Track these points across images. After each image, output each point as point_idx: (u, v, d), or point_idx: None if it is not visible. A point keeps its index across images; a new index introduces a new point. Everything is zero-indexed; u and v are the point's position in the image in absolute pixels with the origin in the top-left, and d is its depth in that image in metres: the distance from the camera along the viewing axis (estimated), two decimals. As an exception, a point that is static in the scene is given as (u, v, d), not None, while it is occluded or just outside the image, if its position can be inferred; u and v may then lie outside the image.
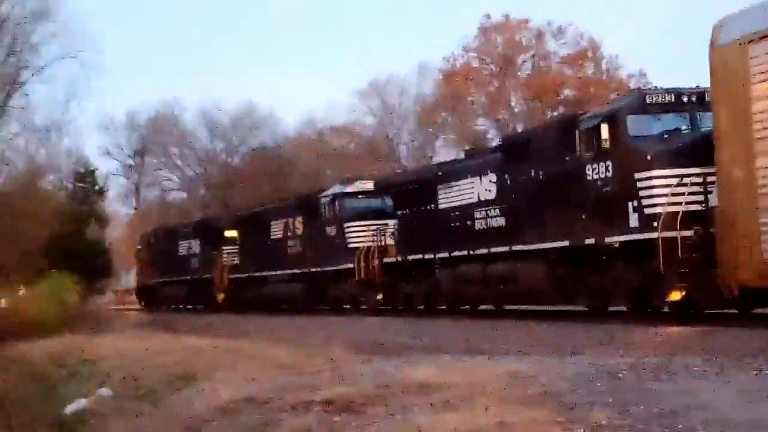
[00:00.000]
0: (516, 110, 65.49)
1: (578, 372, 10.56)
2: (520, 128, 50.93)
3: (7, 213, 45.29)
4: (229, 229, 45.26)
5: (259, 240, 40.94)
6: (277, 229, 39.50)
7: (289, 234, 38.37)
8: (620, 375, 10.15)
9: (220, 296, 44.60)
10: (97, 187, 63.52)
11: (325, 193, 36.03)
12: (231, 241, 44.67)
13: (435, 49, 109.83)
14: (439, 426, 8.16)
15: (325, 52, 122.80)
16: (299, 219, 37.54)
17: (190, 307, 49.75)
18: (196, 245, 49.26)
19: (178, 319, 36.55)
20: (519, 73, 66.66)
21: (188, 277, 49.12)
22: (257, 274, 40.95)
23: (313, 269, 35.41)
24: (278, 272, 38.77)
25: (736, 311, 18.34)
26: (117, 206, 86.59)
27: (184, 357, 17.71)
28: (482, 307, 27.47)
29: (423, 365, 12.24)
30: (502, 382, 10.19)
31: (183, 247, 50.99)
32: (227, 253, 44.75)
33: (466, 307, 27.99)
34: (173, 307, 51.24)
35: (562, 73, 63.91)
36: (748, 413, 7.70)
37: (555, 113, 56.54)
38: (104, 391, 16.80)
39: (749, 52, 16.14)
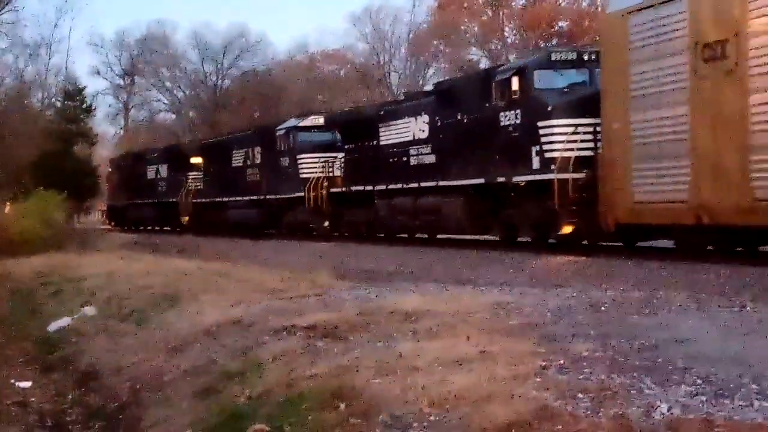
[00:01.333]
0: (509, 41, 65.22)
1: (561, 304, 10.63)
2: (512, 59, 50.91)
3: (-6, 129, 45.13)
4: (195, 155, 47.35)
5: (222, 167, 43.32)
6: (238, 158, 42.00)
7: (249, 163, 40.85)
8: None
9: (185, 219, 47.23)
10: (85, 106, 63.23)
11: (280, 126, 38.01)
12: (196, 167, 46.96)
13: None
14: (421, 353, 8.20)
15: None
16: (258, 149, 39.89)
17: (157, 228, 51.85)
18: (163, 170, 51.50)
19: (162, 241, 36.63)
20: (513, 4, 66.30)
21: (155, 200, 51.39)
22: (219, 199, 43.50)
23: (269, 197, 37.84)
24: (238, 198, 41.25)
25: (622, 244, 20.84)
26: (105, 126, 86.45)
27: (171, 278, 17.75)
28: (417, 235, 29.30)
29: (408, 293, 12.30)
30: (486, 311, 10.25)
31: (151, 172, 53.12)
32: (192, 178, 47.04)
33: (404, 235, 29.79)
34: (141, 228, 53.28)
35: (557, 5, 63.62)
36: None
37: (548, 44, 56.34)
38: (88, 310, 16.87)
39: (629, 21, 18.74)
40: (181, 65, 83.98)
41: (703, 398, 6.24)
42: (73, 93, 62.56)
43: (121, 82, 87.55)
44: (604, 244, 20.98)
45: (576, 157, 20.52)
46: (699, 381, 6.65)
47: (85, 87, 65.86)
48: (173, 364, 10.94)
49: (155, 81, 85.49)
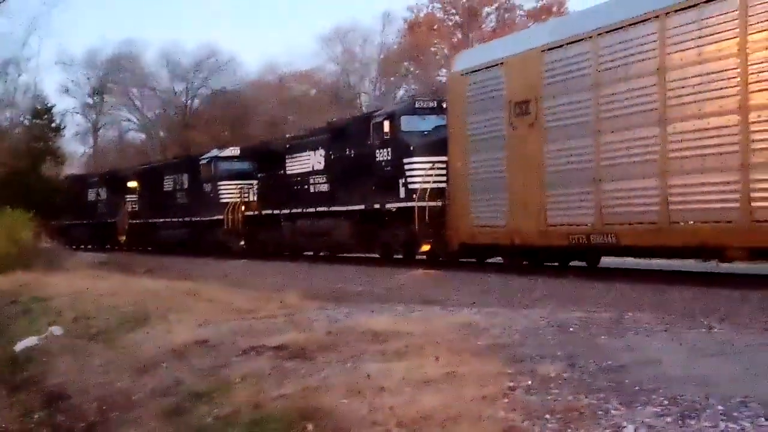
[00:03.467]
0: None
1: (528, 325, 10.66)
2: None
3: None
4: (132, 180, 51.25)
5: (155, 191, 47.31)
6: (168, 183, 46.18)
7: (178, 187, 45.07)
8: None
9: (122, 238, 51.08)
10: (54, 125, 62.78)
11: (204, 156, 42.84)
12: (132, 190, 50.80)
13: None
14: (389, 374, 8.21)
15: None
16: (186, 176, 44.10)
17: (96, 247, 54.30)
18: (103, 193, 55.28)
19: (134, 260, 36.62)
20: (483, 26, 66.62)
21: (95, 221, 54.55)
22: (152, 220, 47.35)
23: (194, 218, 42.03)
24: (168, 219, 45.18)
25: (475, 260, 24.68)
26: (75, 145, 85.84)
27: (138, 298, 17.66)
28: (322, 253, 33.17)
29: (377, 314, 12.32)
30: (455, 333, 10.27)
31: (92, 194, 56.53)
32: (129, 201, 50.89)
33: (310, 252, 33.63)
34: (81, 246, 54.58)
35: (526, 27, 63.94)
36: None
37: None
38: (55, 330, 16.74)
39: (467, 80, 22.98)
40: (151, 85, 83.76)
41: (669, 419, 6.27)
42: (42, 111, 62.17)
43: (91, 101, 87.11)
44: (464, 260, 24.77)
45: (431, 188, 24.63)
46: (665, 402, 6.69)
47: (53, 105, 65.42)
48: (141, 384, 10.89)
49: (125, 100, 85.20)
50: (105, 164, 72.82)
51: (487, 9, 66.98)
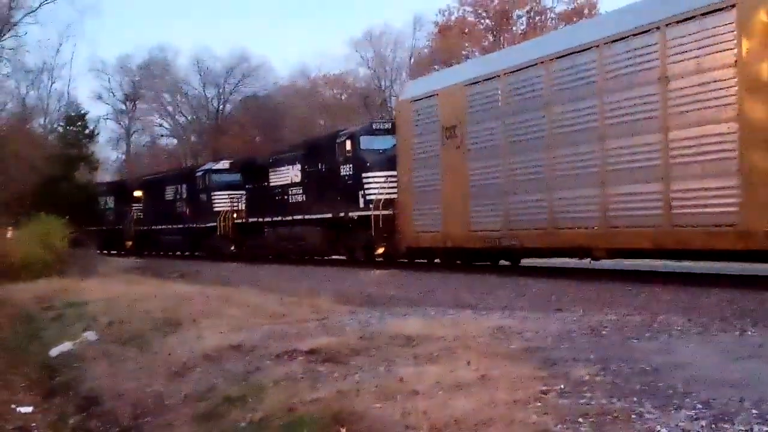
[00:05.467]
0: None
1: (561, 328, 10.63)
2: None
3: (-4, 154, 45.14)
4: (137, 189, 55.37)
5: (158, 200, 51.10)
6: (169, 193, 49.93)
7: (178, 197, 48.79)
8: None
9: (129, 243, 54.84)
10: (87, 131, 63.26)
11: (200, 168, 47.19)
12: (137, 199, 54.76)
13: (431, 2, 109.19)
14: (421, 378, 8.21)
15: (320, 2, 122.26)
16: (184, 186, 47.91)
17: (105, 252, 56.73)
18: (111, 201, 58.78)
19: (166, 266, 36.84)
20: (514, 29, 66.43)
21: (104, 227, 57.62)
22: (155, 227, 51.13)
23: (191, 225, 45.98)
24: (169, 226, 48.95)
25: (425, 261, 27.82)
26: (107, 151, 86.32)
27: (172, 303, 17.73)
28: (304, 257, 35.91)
29: (409, 318, 12.31)
30: (487, 336, 10.25)
31: (101, 202, 59.54)
32: (135, 209, 54.74)
33: (293, 256, 36.23)
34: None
35: (557, 29, 63.71)
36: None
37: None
38: (90, 335, 16.83)
39: (413, 106, 26.45)
40: (183, 90, 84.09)
41: (703, 423, 6.24)
42: (75, 118, 62.64)
43: (123, 107, 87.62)
44: (420, 261, 28.03)
45: (385, 199, 28.25)
46: (699, 405, 6.66)
47: (87, 112, 66.06)
48: (175, 389, 10.93)
49: (157, 106, 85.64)
50: (137, 170, 73.12)
51: (517, 11, 66.79)
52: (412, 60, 72.44)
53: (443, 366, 8.69)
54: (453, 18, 67.41)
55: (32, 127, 56.85)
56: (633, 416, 6.50)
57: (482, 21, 67.64)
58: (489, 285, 19.89)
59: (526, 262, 25.71)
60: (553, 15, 65.29)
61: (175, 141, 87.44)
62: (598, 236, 19.34)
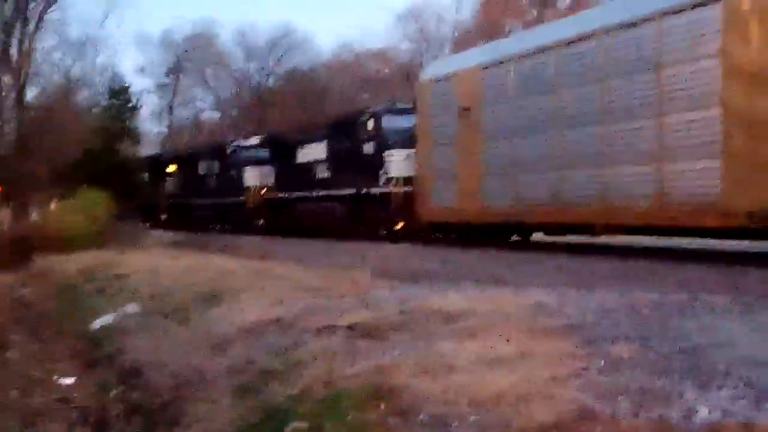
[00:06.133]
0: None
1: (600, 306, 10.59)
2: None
3: (42, 126, 45.55)
4: (171, 164, 57.18)
5: (190, 174, 53.05)
6: (202, 167, 51.48)
7: (209, 172, 50.28)
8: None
9: (163, 216, 56.59)
10: (130, 104, 63.55)
11: (230, 144, 48.83)
12: (171, 173, 56.59)
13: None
14: (461, 354, 8.21)
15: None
16: (216, 161, 49.50)
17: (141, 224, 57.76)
18: (146, 175, 60.15)
19: (205, 240, 37.07)
20: (558, 4, 66.00)
21: (140, 201, 58.34)
22: (188, 200, 52.69)
23: (222, 199, 47.35)
24: (201, 200, 50.58)
25: (441, 235, 28.98)
26: (150, 125, 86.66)
27: (213, 276, 17.84)
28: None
29: (449, 293, 12.30)
30: (526, 312, 10.23)
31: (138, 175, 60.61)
32: (168, 182, 56.71)
33: (319, 230, 37.07)
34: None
35: (600, 4, 63.21)
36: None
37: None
38: (132, 307, 16.98)
39: (432, 87, 27.88)
40: (226, 64, 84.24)
41: (744, 402, 6.20)
42: (119, 91, 62.94)
43: (166, 81, 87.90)
44: (438, 236, 29.06)
45: (405, 176, 29.55)
46: (741, 384, 6.61)
47: (130, 85, 66.28)
48: (215, 362, 11.01)
49: (200, 80, 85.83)
50: (179, 144, 73.43)
51: (561, -13, 66.36)
52: (456, 34, 72.15)
53: (483, 342, 8.68)
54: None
55: (77, 100, 57.11)
56: (673, 395, 6.47)
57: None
58: (526, 262, 19.85)
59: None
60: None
61: (217, 115, 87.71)
62: (597, 213, 20.71)
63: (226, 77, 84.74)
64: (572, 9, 62.57)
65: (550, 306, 10.66)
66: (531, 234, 26.36)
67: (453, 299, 11.49)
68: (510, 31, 65.03)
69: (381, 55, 76.07)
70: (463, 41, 68.71)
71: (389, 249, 25.88)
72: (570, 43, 21.88)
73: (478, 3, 69.35)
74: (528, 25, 63.91)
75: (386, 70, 75.37)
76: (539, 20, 63.59)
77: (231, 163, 46.69)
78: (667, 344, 8.08)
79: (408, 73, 70.52)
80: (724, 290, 12.22)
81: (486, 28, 65.72)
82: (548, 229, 24.61)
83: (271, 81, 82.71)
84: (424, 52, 73.92)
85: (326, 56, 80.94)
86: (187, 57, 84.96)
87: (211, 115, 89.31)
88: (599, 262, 18.89)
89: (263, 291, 14.87)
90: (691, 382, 6.76)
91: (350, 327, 10.41)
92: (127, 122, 61.86)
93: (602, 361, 7.53)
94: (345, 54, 79.42)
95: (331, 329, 10.58)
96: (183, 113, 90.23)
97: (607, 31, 20.67)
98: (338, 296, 13.35)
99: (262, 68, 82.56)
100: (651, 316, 9.81)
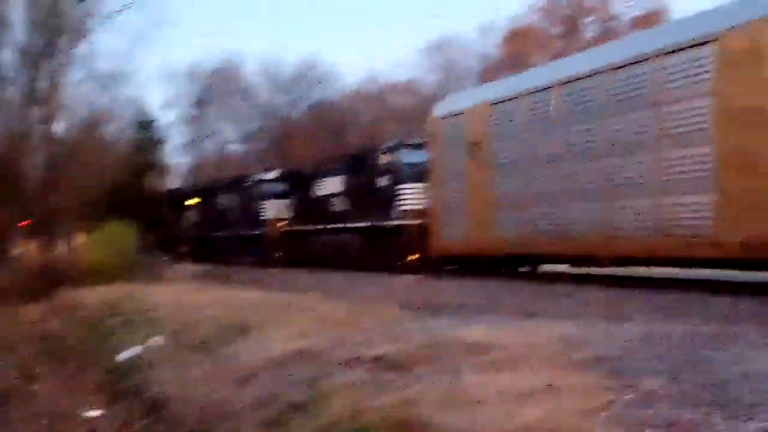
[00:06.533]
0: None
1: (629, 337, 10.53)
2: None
3: (69, 159, 45.79)
4: (192, 197, 58.26)
5: (211, 207, 54.38)
6: (222, 200, 52.79)
7: (230, 204, 51.40)
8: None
9: (184, 248, 56.50)
10: (156, 137, 63.83)
11: (250, 179, 49.25)
12: (192, 206, 57.60)
13: (500, 9, 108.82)
14: (487, 387, 8.17)
15: (389, 10, 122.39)
16: (236, 194, 50.49)
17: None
18: (167, 208, 60.12)
19: (228, 273, 37.21)
20: (584, 35, 66.06)
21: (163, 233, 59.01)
22: (208, 233, 54.07)
23: (242, 232, 48.53)
24: (222, 232, 51.94)
25: (456, 267, 28.75)
26: (176, 157, 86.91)
27: (238, 309, 17.84)
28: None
29: (475, 326, 12.26)
30: (553, 344, 10.18)
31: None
32: (190, 215, 57.82)
33: (335, 263, 37.56)
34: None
35: (628, 35, 63.16)
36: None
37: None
38: (157, 340, 17.00)
39: (442, 123, 28.55)
40: (251, 97, 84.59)
41: (774, 434, 6.15)
42: (145, 124, 63.24)
43: (192, 113, 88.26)
44: (449, 268, 28.98)
45: (418, 209, 30.53)
46: (770, 417, 6.56)
47: (156, 119, 66.64)
48: (241, 394, 11.00)
49: (226, 112, 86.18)
50: (205, 176, 73.67)
51: (588, 18, 66.37)
52: (482, 66, 72.25)
53: (509, 375, 8.65)
54: (522, 25, 67.13)
55: (103, 133, 57.43)
56: (702, 428, 6.42)
57: (552, 28, 67.30)
58: (551, 293, 19.79)
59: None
60: (624, 21, 64.73)
61: (242, 148, 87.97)
62: (600, 245, 21.42)
63: (252, 109, 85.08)
64: (598, 39, 62.69)
65: (578, 338, 10.61)
66: (539, 265, 26.81)
67: (478, 331, 11.45)
68: (537, 64, 65.07)
69: (407, 87, 76.30)
70: (489, 73, 68.84)
71: (407, 280, 26.47)
72: (572, 81, 22.63)
73: (504, 35, 69.46)
74: (554, 56, 63.94)
75: (412, 102, 75.51)
76: (565, 52, 63.64)
77: (251, 197, 47.86)
78: (696, 376, 8.02)
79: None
80: (754, 321, 12.14)
81: (512, 60, 65.80)
82: (555, 259, 25.20)
83: (296, 113, 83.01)
84: (450, 84, 74.05)
85: (351, 88, 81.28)
86: (213, 90, 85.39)
87: (236, 148, 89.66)
88: (626, 293, 18.80)
89: (288, 323, 14.87)
90: (720, 414, 6.71)
91: (376, 359, 10.40)
92: (153, 155, 62.08)
93: (631, 394, 7.48)
94: (370, 86, 79.79)
95: (357, 361, 10.57)
96: (209, 146, 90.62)
97: (611, 68, 21.24)
98: (363, 328, 13.34)
99: (288, 100, 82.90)
100: (680, 347, 9.75)
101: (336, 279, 29.63)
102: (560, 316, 14.36)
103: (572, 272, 24.99)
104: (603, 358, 9.22)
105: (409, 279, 26.98)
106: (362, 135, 67.00)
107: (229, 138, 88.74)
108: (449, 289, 22.92)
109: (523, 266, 26.90)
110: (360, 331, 13.09)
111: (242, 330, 15.27)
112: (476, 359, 9.66)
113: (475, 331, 11.39)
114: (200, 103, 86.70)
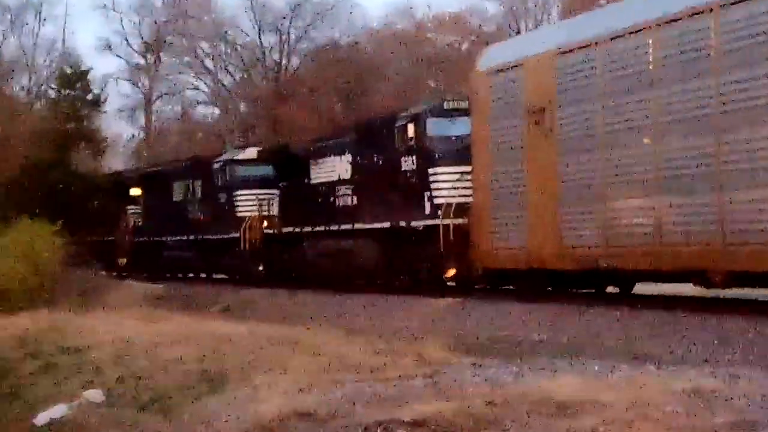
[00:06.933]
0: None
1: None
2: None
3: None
4: (134, 186, 57.61)
5: (161, 201, 53.59)
6: (177, 191, 52.35)
7: (188, 197, 51.19)
8: None
9: (122, 260, 57.14)
10: (91, 96, 63.82)
11: (218, 159, 48.72)
12: (134, 200, 57.17)
13: None
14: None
15: None
16: (198, 182, 50.02)
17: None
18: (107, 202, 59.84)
19: (197, 294, 37.32)
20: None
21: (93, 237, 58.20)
22: (157, 238, 53.63)
23: (206, 236, 47.86)
24: (176, 237, 51.43)
25: (511, 287, 28.37)
26: (119, 125, 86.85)
27: (211, 348, 17.91)
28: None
29: (561, 374, 12.25)
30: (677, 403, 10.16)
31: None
32: (131, 213, 57.26)
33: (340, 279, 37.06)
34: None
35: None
36: None
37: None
38: (93, 394, 17.05)
39: (490, 80, 27.83)
40: (229, 37, 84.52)
41: None
42: (74, 77, 63.32)
43: (142, 61, 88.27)
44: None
45: (458, 203, 29.35)
46: None
47: (90, 69, 66.67)
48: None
49: (191, 60, 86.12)
50: (162, 152, 73.82)
51: None
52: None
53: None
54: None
55: (12, 90, 57.63)
56: None
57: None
58: (668, 325, 19.76)
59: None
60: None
61: (216, 111, 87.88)
62: (712, 255, 20.89)
63: (229, 56, 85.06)
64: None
65: (713, 393, 10.59)
66: (633, 284, 26.23)
67: (566, 383, 11.45)
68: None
69: (456, 23, 76.17)
70: (577, 2, 68.79)
71: (445, 305, 26.48)
72: (691, 15, 21.77)
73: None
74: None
75: (464, 45, 75.44)
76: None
77: (218, 185, 47.17)
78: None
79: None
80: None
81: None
82: (649, 277, 24.84)
83: (294, 61, 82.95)
84: (520, 17, 74.06)
85: (375, 25, 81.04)
86: (173, 27, 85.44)
87: (207, 111, 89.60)
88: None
89: (283, 370, 14.90)
90: None
91: (416, 423, 10.40)
92: (86, 122, 62.09)
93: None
94: (402, 22, 79.61)
95: (387, 427, 10.57)
96: (167, 108, 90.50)
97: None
98: (396, 377, 13.36)
99: (282, 42, 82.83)
100: None
101: (345, 303, 29.75)
102: (685, 360, 14.34)
103: (696, 295, 24.94)
104: (752, 423, 9.20)
105: (448, 303, 26.88)
106: (391, 94, 66.89)
107: (197, 97, 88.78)
108: (514, 318, 22.95)
109: (613, 285, 26.40)
110: (389, 381, 13.11)
111: (216, 380, 15.31)
112: (564, 424, 9.64)
113: (564, 383, 11.38)
114: (154, 45, 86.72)
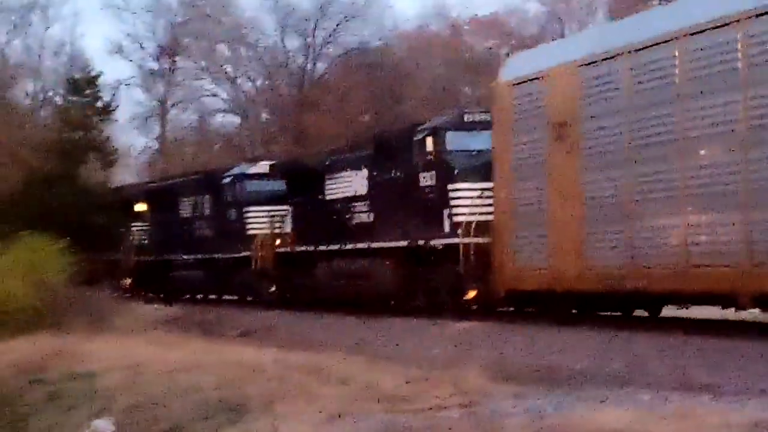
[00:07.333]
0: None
1: None
2: None
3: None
4: (139, 202, 58.76)
5: (168, 218, 55.13)
6: (186, 207, 53.64)
7: (197, 214, 52.43)
8: None
9: (126, 280, 57.36)
10: (101, 103, 63.88)
11: (228, 174, 49.53)
12: (139, 216, 58.61)
13: None
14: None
15: None
16: (207, 198, 51.18)
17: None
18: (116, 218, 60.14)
19: (215, 318, 37.36)
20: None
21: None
22: (163, 257, 54.94)
23: (215, 255, 48.82)
24: (184, 256, 52.86)
25: (533, 310, 29.46)
26: (131, 135, 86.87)
27: (231, 376, 17.90)
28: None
29: (609, 406, 12.23)
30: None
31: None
32: (136, 230, 58.88)
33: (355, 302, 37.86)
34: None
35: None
36: None
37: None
38: (103, 425, 17.06)
39: (513, 92, 28.55)
40: (250, 39, 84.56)
41: None
42: (82, 83, 63.36)
43: (156, 66, 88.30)
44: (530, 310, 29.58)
45: (477, 221, 30.14)
46: None
47: (100, 74, 66.67)
48: None
49: (209, 64, 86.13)
50: (177, 165, 73.86)
51: None
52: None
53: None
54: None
55: (16, 96, 57.74)
56: None
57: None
58: (722, 352, 19.69)
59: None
60: None
61: (236, 120, 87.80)
62: (739, 276, 21.55)
63: (250, 61, 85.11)
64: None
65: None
66: (660, 307, 26.91)
67: (617, 415, 11.42)
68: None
69: (494, 25, 76.25)
70: (624, 3, 68.76)
71: (473, 329, 26.82)
72: (713, 28, 22.43)
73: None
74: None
75: (503, 49, 75.47)
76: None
77: (228, 201, 48.15)
78: None
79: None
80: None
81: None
82: (678, 299, 25.44)
83: (320, 66, 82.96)
84: (565, 18, 74.06)
85: (408, 27, 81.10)
86: (189, 29, 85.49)
87: (225, 120, 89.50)
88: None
89: (312, 400, 14.90)
90: None
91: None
92: (96, 131, 62.10)
93: None
94: (437, 24, 79.69)
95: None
96: (183, 117, 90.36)
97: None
98: (431, 408, 13.34)
99: (307, 46, 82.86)
100: None
101: (365, 327, 30.17)
102: (746, 390, 14.29)
103: (747, 319, 24.90)
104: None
105: (473, 326, 27.36)
106: (422, 102, 66.88)
107: (215, 104, 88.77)
108: (549, 343, 22.90)
109: (639, 308, 26.97)
110: (424, 412, 13.11)
111: (238, 410, 15.31)
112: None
113: (614, 416, 11.35)
114: (169, 49, 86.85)
